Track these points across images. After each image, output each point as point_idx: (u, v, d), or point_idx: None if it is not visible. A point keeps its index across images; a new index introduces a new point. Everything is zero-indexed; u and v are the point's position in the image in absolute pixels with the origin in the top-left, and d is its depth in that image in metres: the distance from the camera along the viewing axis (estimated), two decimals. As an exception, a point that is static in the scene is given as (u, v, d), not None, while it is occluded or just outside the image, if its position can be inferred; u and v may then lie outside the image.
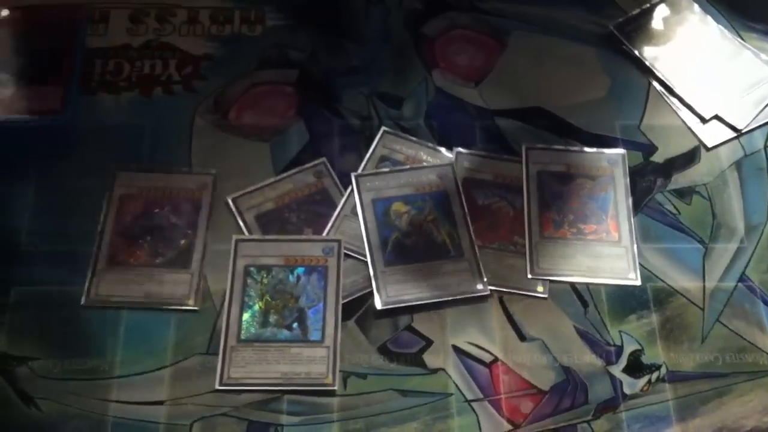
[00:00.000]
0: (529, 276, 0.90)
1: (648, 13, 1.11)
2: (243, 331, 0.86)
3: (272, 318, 0.87)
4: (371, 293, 0.88)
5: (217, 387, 0.83)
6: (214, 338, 0.86)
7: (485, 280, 0.89)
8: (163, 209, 0.93)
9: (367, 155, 0.97)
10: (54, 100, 0.97)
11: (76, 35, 1.02)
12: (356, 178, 0.94)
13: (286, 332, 0.86)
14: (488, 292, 0.89)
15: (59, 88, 0.97)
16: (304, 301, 0.88)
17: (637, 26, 1.09)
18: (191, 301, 0.88)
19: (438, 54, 1.07)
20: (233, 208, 0.93)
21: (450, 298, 0.88)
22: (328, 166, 0.96)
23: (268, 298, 0.88)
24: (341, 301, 0.87)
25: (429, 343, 0.87)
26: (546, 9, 1.12)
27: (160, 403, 0.82)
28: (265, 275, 0.89)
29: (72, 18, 1.04)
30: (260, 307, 0.87)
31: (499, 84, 1.05)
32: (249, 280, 0.89)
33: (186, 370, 0.84)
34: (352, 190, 0.94)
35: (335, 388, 0.83)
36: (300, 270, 0.89)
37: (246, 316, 0.87)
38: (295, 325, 0.86)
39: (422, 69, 1.06)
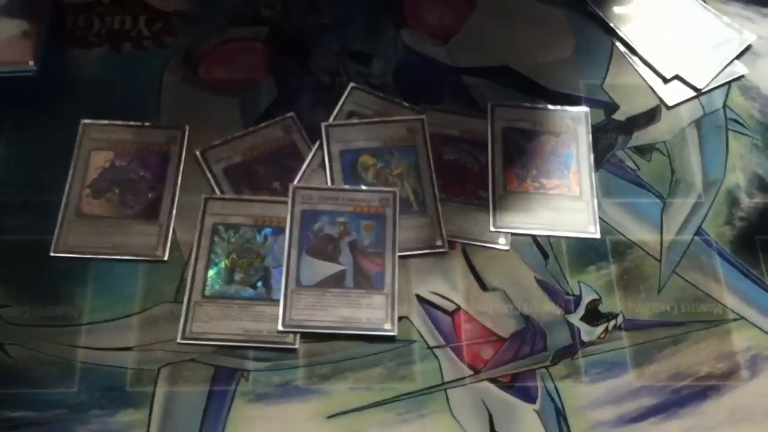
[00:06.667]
0: (492, 229, 0.92)
1: (614, -24, 1.12)
2: (207, 288, 0.86)
3: (237, 276, 0.87)
4: (337, 244, 0.89)
5: (179, 341, 0.83)
6: (181, 288, 0.87)
7: (444, 235, 0.90)
8: (132, 162, 0.94)
9: (336, 109, 0.98)
10: (25, 53, 0.97)
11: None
12: (326, 128, 0.95)
13: (250, 290, 0.87)
14: (446, 249, 0.90)
15: (30, 41, 0.98)
16: (270, 260, 0.88)
17: (603, -12, 1.11)
18: (159, 252, 0.88)
19: (408, 12, 1.08)
20: (201, 161, 0.93)
21: (409, 253, 0.90)
22: (297, 120, 0.97)
23: (234, 256, 0.88)
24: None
25: (393, 292, 0.88)
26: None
27: (129, 349, 0.84)
28: (232, 234, 0.90)
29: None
30: (226, 265, 0.88)
31: (467, 43, 1.06)
32: (216, 238, 0.89)
33: (154, 317, 0.85)
34: (321, 141, 0.95)
35: (296, 346, 0.84)
36: (268, 230, 0.90)
37: (211, 272, 0.87)
38: (259, 283, 0.87)
39: (392, 27, 1.06)
